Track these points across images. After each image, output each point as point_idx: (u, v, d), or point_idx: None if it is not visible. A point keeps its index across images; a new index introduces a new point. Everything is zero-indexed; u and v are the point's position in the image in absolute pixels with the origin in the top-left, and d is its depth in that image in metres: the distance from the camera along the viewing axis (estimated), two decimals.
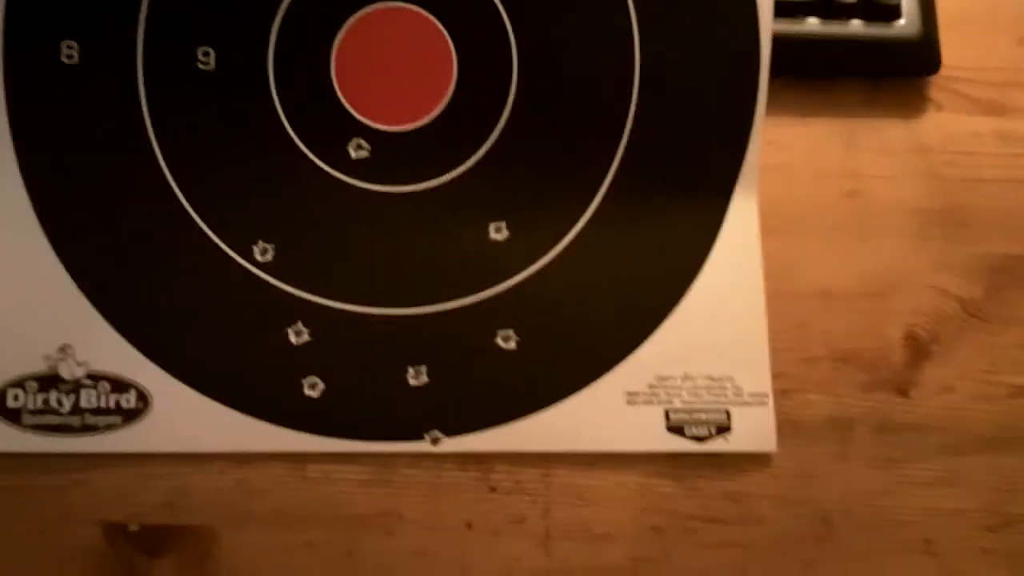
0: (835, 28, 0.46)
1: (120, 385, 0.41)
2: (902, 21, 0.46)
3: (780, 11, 0.43)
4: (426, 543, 0.41)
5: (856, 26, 0.46)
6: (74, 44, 0.41)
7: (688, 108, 0.43)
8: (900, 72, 0.46)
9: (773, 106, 0.43)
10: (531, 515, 0.41)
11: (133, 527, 0.41)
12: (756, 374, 0.42)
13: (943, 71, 0.46)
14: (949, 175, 0.45)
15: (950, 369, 0.43)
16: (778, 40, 0.42)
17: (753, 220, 0.43)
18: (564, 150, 0.43)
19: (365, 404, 0.41)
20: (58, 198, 0.42)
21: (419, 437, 0.41)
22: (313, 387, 0.41)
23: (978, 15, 0.48)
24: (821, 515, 0.41)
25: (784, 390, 0.42)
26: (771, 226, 0.43)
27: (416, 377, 0.41)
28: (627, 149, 0.43)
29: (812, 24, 0.46)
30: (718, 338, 0.42)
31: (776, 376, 0.42)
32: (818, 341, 0.43)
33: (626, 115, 0.43)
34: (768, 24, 0.42)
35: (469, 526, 0.41)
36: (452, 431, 0.41)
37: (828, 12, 0.46)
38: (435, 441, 0.41)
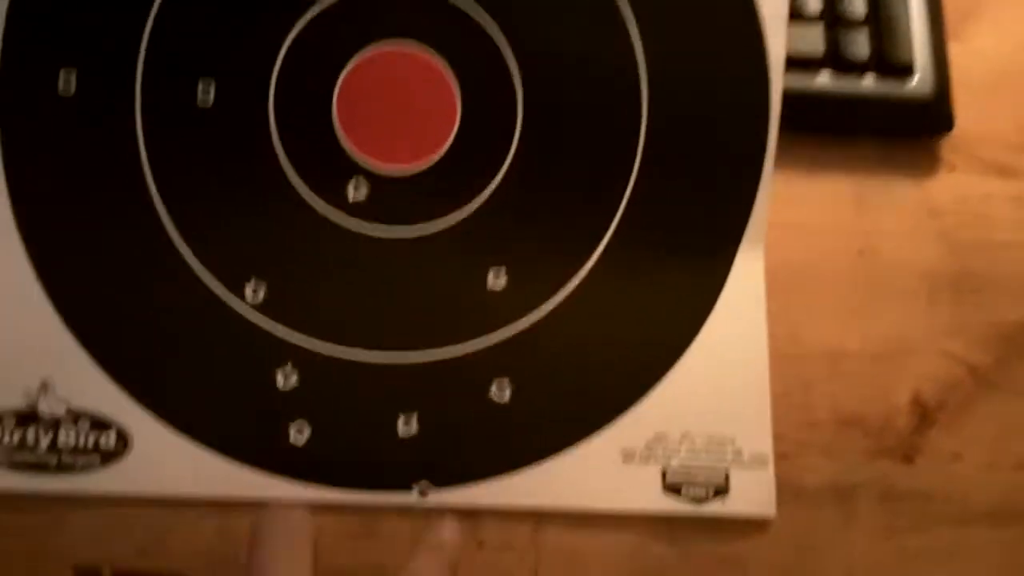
0: (847, 84, 0.45)
1: (100, 424, 0.40)
2: (915, 79, 0.45)
3: (791, 65, 0.42)
4: None
5: (868, 83, 0.45)
6: (73, 72, 0.41)
7: (695, 160, 0.42)
8: (912, 131, 0.45)
9: (782, 161, 0.42)
10: (519, 573, 0.40)
11: (106, 571, 0.39)
12: (757, 435, 0.41)
13: (956, 131, 0.45)
14: (961, 238, 0.44)
15: (957, 437, 0.42)
16: (788, 94, 0.42)
17: (759, 277, 0.42)
18: (568, 198, 0.42)
19: (353, 452, 0.40)
20: (47, 230, 0.41)
21: (407, 488, 0.40)
22: (300, 432, 0.40)
23: (993, 75, 0.47)
24: None
25: (785, 453, 0.41)
26: (777, 284, 0.42)
27: (406, 426, 0.40)
28: (631, 199, 0.42)
29: (823, 79, 0.45)
30: (719, 397, 0.41)
31: (778, 438, 0.41)
32: (822, 404, 0.42)
33: (631, 165, 0.42)
34: (779, 78, 0.42)
35: None
36: (441, 483, 0.40)
37: (840, 67, 0.45)
38: (423, 493, 0.40)
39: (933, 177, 0.45)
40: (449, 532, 0.37)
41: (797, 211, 0.43)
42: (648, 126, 0.42)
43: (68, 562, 0.39)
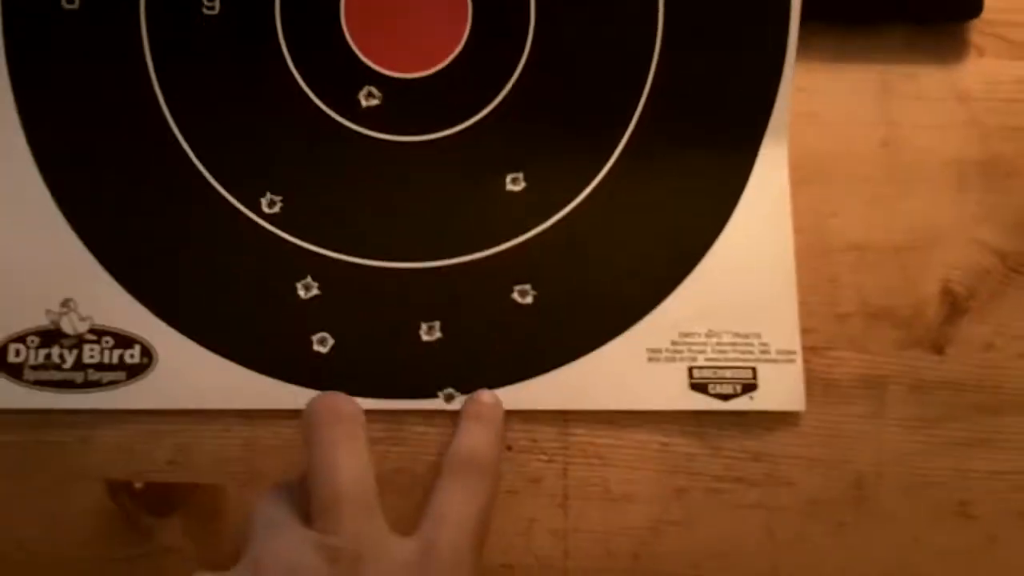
0: None
1: (124, 340, 0.40)
2: None
3: None
4: None
5: None
6: None
7: (715, 52, 0.41)
8: (940, 16, 0.44)
9: (804, 52, 0.41)
10: (548, 475, 0.40)
11: (138, 485, 0.39)
12: (785, 330, 0.40)
13: (985, 14, 0.43)
14: (990, 123, 0.43)
15: (988, 326, 0.41)
16: None
17: (783, 170, 0.41)
18: (584, 97, 0.41)
19: (376, 360, 0.40)
20: (60, 149, 0.41)
21: (432, 395, 0.40)
22: (322, 343, 0.40)
23: None
24: (852, 477, 0.40)
25: (814, 347, 0.40)
26: (801, 177, 0.41)
27: (429, 333, 0.40)
28: (650, 96, 0.41)
29: None
30: (745, 293, 0.40)
31: (806, 332, 0.40)
32: (850, 296, 0.41)
33: (649, 60, 0.41)
34: None
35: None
36: (466, 388, 0.40)
37: None
38: (449, 399, 0.40)
39: (961, 63, 0.44)
40: (488, 398, 0.37)
41: (821, 102, 0.42)
42: (666, 19, 0.41)
43: (99, 477, 0.39)
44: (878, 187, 0.41)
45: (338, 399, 0.36)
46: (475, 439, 0.37)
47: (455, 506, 0.35)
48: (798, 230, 0.41)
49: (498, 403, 0.39)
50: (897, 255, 0.41)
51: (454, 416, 0.40)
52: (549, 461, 0.40)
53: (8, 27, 0.40)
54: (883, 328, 0.41)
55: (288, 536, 0.33)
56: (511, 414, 0.40)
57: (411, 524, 0.35)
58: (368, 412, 0.39)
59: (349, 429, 0.35)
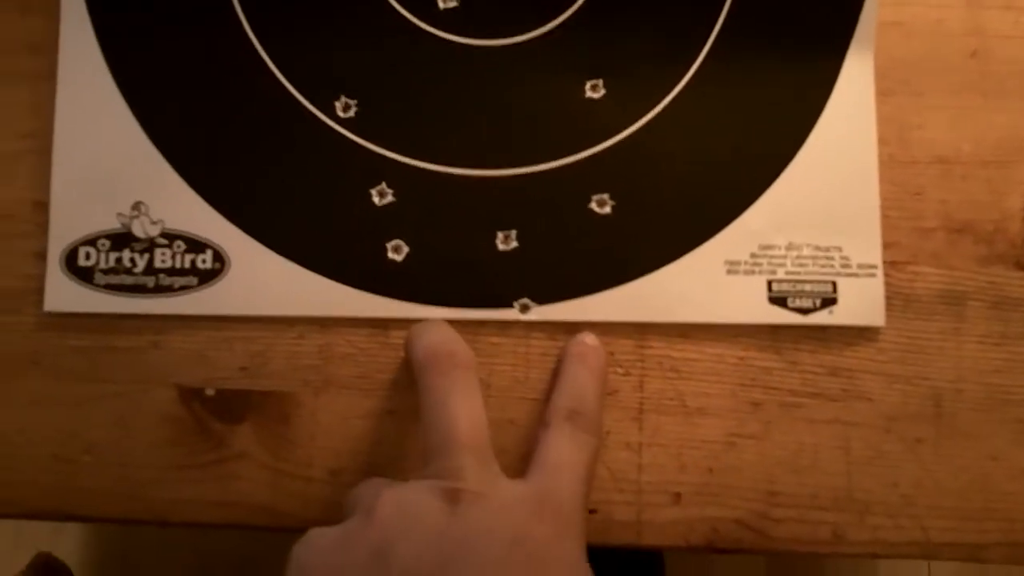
0: None
1: (196, 245, 0.39)
2: None
3: None
4: (515, 412, 0.39)
5: None
6: None
7: None
8: None
9: None
10: (624, 387, 0.39)
11: (210, 392, 0.39)
12: (866, 244, 0.40)
13: None
14: None
15: None
16: None
17: (868, 80, 0.40)
18: (666, 4, 0.40)
19: (451, 269, 0.39)
20: (133, 53, 0.40)
21: (508, 305, 0.39)
22: (397, 250, 0.39)
23: None
24: (930, 393, 0.39)
25: (895, 262, 0.40)
26: (887, 87, 0.40)
27: (505, 242, 0.39)
28: (733, 3, 0.40)
29: None
30: (826, 206, 0.40)
31: (887, 247, 0.40)
32: (933, 211, 0.40)
33: None
34: None
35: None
36: (542, 299, 0.39)
37: None
38: (524, 309, 0.39)
39: None
40: (592, 340, 0.37)
41: (908, 10, 0.41)
42: None
43: (170, 382, 0.39)
44: (966, 99, 0.40)
45: (450, 341, 0.36)
46: (581, 387, 0.37)
47: (566, 456, 0.35)
48: (882, 141, 0.40)
49: (600, 346, 0.38)
50: (983, 169, 0.40)
51: (529, 326, 0.39)
52: (625, 374, 0.39)
53: None
54: (966, 243, 0.40)
55: (402, 485, 0.33)
56: (587, 325, 0.39)
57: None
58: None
59: (463, 375, 0.35)
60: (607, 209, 0.39)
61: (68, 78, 0.40)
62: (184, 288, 0.39)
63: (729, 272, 0.39)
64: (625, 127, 0.40)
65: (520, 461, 0.38)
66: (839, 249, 0.39)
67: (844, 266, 0.39)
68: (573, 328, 0.39)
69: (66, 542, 0.90)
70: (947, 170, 0.40)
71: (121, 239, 0.39)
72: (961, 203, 0.40)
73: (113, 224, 0.39)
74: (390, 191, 0.39)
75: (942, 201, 0.40)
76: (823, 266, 0.39)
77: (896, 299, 0.40)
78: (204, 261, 0.39)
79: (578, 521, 0.33)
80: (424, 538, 0.30)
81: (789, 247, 0.39)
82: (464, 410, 0.34)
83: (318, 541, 0.32)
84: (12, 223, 0.39)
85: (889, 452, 0.39)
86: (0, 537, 0.87)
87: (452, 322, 0.39)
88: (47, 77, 0.40)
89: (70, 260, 0.39)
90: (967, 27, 0.41)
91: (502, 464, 0.34)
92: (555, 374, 0.38)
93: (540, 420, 0.37)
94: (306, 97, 0.40)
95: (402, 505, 0.32)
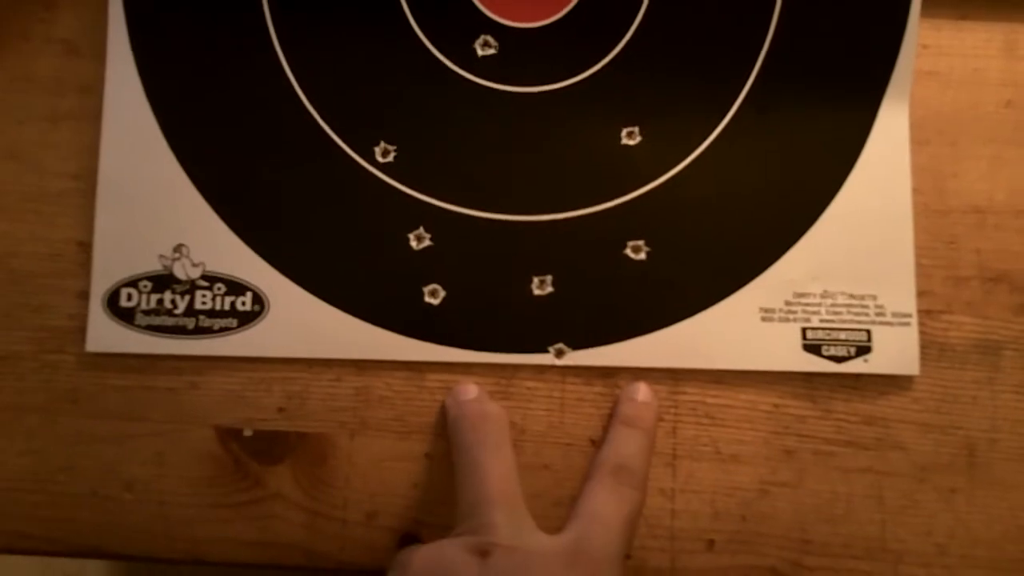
0: None
1: (236, 287, 0.40)
2: None
3: None
4: (550, 457, 0.39)
5: None
6: None
7: (838, 6, 0.40)
8: None
9: (929, 9, 0.40)
10: (658, 434, 0.39)
11: (247, 432, 0.39)
12: (900, 293, 0.40)
13: None
14: None
15: None
16: None
17: (903, 129, 0.40)
18: (702, 50, 0.41)
19: (487, 313, 0.40)
20: (176, 97, 0.41)
21: (543, 349, 0.39)
22: (434, 294, 0.40)
23: None
24: (964, 442, 0.39)
25: (929, 310, 0.40)
26: (922, 136, 0.41)
27: (541, 287, 0.40)
28: (769, 51, 0.40)
29: None
30: (861, 254, 0.40)
31: (921, 295, 0.40)
32: (968, 260, 0.40)
33: (770, 14, 0.40)
34: None
35: (593, 442, 0.39)
36: (577, 344, 0.39)
37: None
38: (560, 354, 0.39)
39: None
40: (644, 395, 0.37)
41: (943, 60, 0.41)
42: None
43: (208, 422, 0.40)
44: (1001, 149, 0.41)
45: (482, 400, 0.37)
46: (628, 447, 0.37)
47: (605, 508, 0.35)
48: (917, 191, 0.40)
49: (652, 402, 0.38)
50: (1018, 218, 0.40)
51: (564, 371, 0.40)
52: (659, 420, 0.39)
53: None
54: (1001, 293, 0.40)
55: (437, 543, 0.33)
56: (622, 371, 0.39)
57: (520, 481, 0.36)
58: (477, 365, 0.39)
59: (494, 430, 0.35)
60: (642, 255, 0.40)
61: (113, 120, 0.40)
62: (224, 330, 0.39)
63: (764, 319, 0.40)
64: (661, 174, 0.40)
65: (554, 506, 0.38)
66: (874, 298, 0.40)
67: (879, 314, 0.39)
68: (608, 373, 0.40)
69: (92, 570, 0.91)
70: (982, 219, 0.40)
71: (163, 281, 0.40)
72: (996, 252, 0.40)
73: (155, 266, 0.40)
74: (428, 236, 0.40)
75: (977, 250, 0.40)
76: (858, 314, 0.39)
77: (931, 348, 0.40)
78: (244, 303, 0.39)
79: (612, 572, 0.33)
80: None
81: (824, 295, 0.40)
82: (494, 467, 0.35)
83: None
84: (57, 262, 0.40)
85: (923, 501, 0.39)
86: (28, 570, 0.88)
87: (487, 366, 0.39)
88: (94, 118, 0.41)
89: (112, 301, 0.39)
90: (1003, 78, 0.41)
91: (536, 509, 0.35)
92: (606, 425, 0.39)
93: (586, 472, 0.37)
94: (346, 142, 0.40)
95: (435, 560, 0.32)
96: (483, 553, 0.32)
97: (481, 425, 0.36)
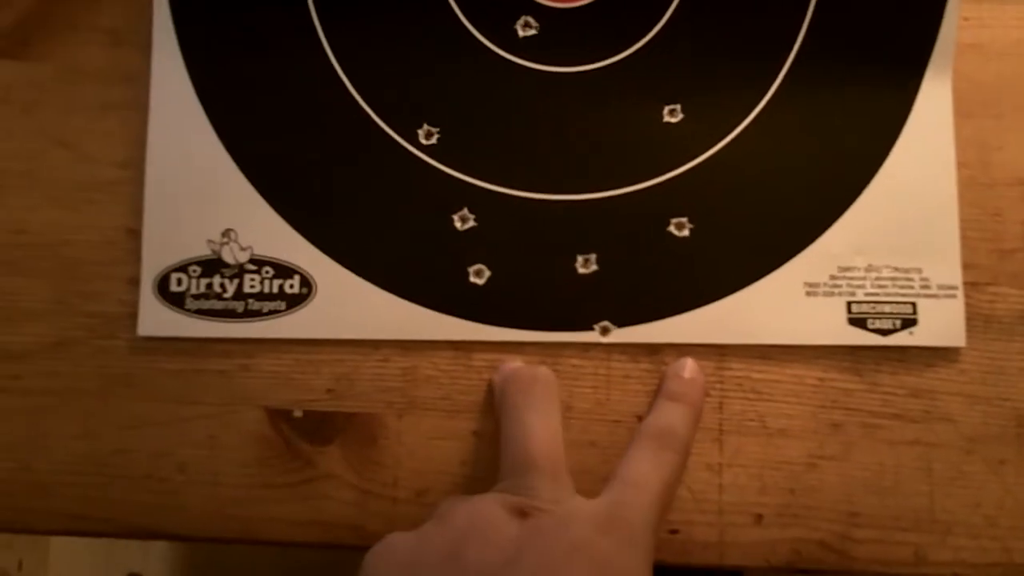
0: None
1: (284, 270, 0.40)
2: None
3: None
4: (596, 434, 0.40)
5: None
6: None
7: None
8: None
9: None
10: (704, 409, 0.40)
11: (297, 413, 0.40)
12: (946, 265, 0.40)
13: None
14: None
15: None
16: None
17: (946, 102, 0.40)
18: (743, 27, 0.41)
19: (532, 292, 0.40)
20: (221, 85, 0.41)
21: (588, 327, 0.40)
22: (479, 274, 0.40)
23: None
24: (1012, 414, 0.39)
25: (975, 283, 0.40)
26: (966, 109, 0.41)
27: (585, 265, 0.40)
28: (810, 26, 0.40)
29: None
30: (906, 227, 0.40)
31: (967, 268, 0.40)
32: (1014, 231, 0.40)
33: None
34: None
35: (640, 418, 0.39)
36: (622, 321, 0.40)
37: None
38: (605, 331, 0.40)
39: None
40: (690, 372, 0.37)
41: (986, 31, 0.41)
42: None
43: (259, 405, 0.40)
44: None
45: (532, 366, 0.38)
46: (672, 416, 0.37)
47: (644, 473, 0.35)
48: (961, 164, 0.40)
49: (698, 377, 0.39)
50: None
51: (609, 349, 0.40)
52: (705, 395, 0.40)
53: None
54: None
55: (477, 497, 0.34)
56: (667, 347, 0.40)
57: (568, 459, 0.36)
58: (523, 344, 0.40)
59: (542, 393, 0.36)
60: (685, 232, 0.40)
61: (159, 108, 0.41)
62: (272, 312, 0.40)
63: (808, 294, 0.40)
64: (703, 151, 0.40)
65: (601, 482, 0.38)
66: (919, 271, 0.40)
67: (924, 287, 0.39)
68: (654, 350, 0.40)
69: (154, 563, 0.92)
70: None
71: (211, 265, 0.40)
72: None
73: (203, 251, 0.40)
74: (472, 216, 0.40)
75: (1022, 222, 0.40)
76: (903, 287, 0.40)
77: (976, 320, 0.40)
78: (292, 286, 0.40)
79: (646, 537, 0.34)
80: (493, 541, 0.32)
81: (868, 268, 0.40)
82: (540, 429, 0.35)
83: (394, 542, 0.33)
84: (109, 250, 0.41)
85: (971, 473, 0.39)
86: (92, 556, 0.89)
87: (533, 344, 0.39)
88: (141, 107, 0.41)
89: (162, 286, 0.40)
90: None
91: (583, 486, 0.35)
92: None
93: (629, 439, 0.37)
94: (389, 125, 0.40)
95: (475, 514, 0.33)
96: (522, 514, 0.33)
97: (531, 387, 0.36)
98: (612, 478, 0.35)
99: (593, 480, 0.38)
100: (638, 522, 0.33)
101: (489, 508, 0.33)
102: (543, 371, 0.37)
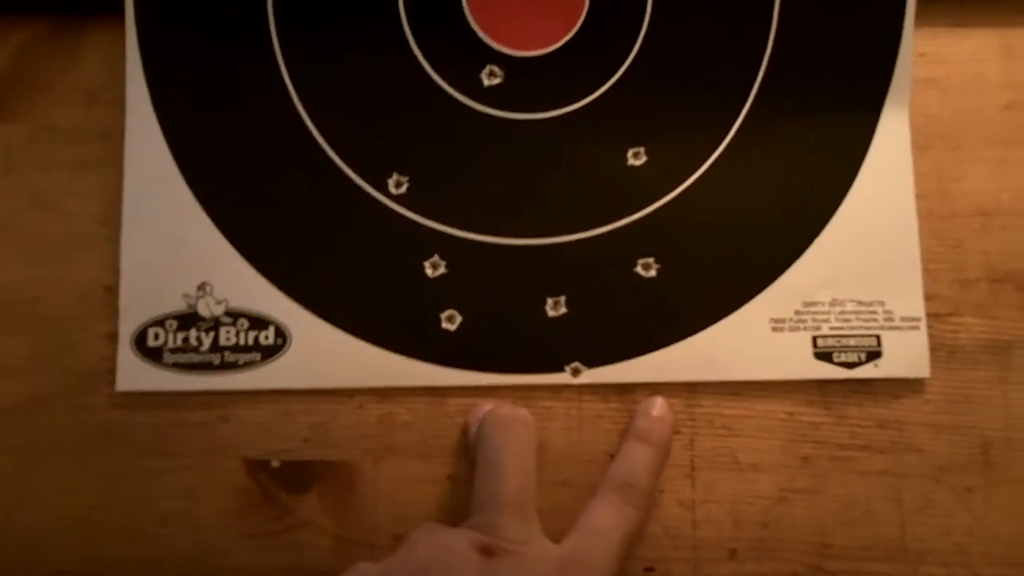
0: None
1: (259, 322, 0.41)
2: None
3: None
4: (569, 474, 0.40)
5: None
6: None
7: (833, 19, 0.41)
8: None
9: (925, 17, 0.41)
10: (675, 446, 0.40)
11: (275, 463, 0.40)
12: (908, 297, 0.40)
13: None
14: None
15: None
16: None
17: (904, 136, 0.41)
18: (703, 69, 0.41)
19: (504, 336, 0.41)
20: (194, 140, 0.42)
21: (559, 369, 0.40)
22: (451, 320, 0.41)
23: None
24: (979, 442, 0.40)
25: (937, 314, 0.40)
26: (923, 142, 0.41)
27: (555, 308, 0.41)
28: (769, 65, 0.41)
29: None
30: (868, 261, 0.40)
31: (929, 299, 0.40)
32: (974, 262, 0.41)
33: (768, 29, 0.41)
34: None
35: (611, 457, 0.40)
36: (593, 362, 0.40)
37: None
38: (576, 372, 0.40)
39: None
40: (659, 410, 0.38)
41: (941, 66, 0.42)
42: None
43: (237, 455, 0.41)
44: (1005, 151, 0.41)
45: (516, 408, 0.38)
46: (636, 462, 0.38)
47: (606, 523, 0.36)
48: (921, 196, 0.41)
49: (667, 416, 0.39)
50: (1023, 220, 0.41)
51: (580, 389, 0.40)
52: (676, 432, 0.40)
53: (139, 13, 0.41)
54: (1008, 293, 0.41)
55: (446, 531, 0.35)
56: (637, 387, 0.40)
57: (541, 499, 0.37)
58: (496, 387, 0.40)
59: (521, 434, 0.37)
60: (652, 272, 0.41)
61: (134, 165, 0.42)
62: (248, 364, 0.41)
63: (775, 329, 0.40)
64: (667, 192, 0.41)
65: (574, 521, 0.39)
66: (882, 303, 0.40)
67: (888, 320, 0.40)
68: (624, 389, 0.40)
69: None
70: (987, 221, 0.41)
71: (187, 319, 0.41)
72: (1002, 253, 0.41)
73: (179, 305, 0.41)
74: (443, 263, 0.41)
75: (983, 252, 0.41)
76: (867, 320, 0.40)
77: (940, 350, 0.40)
78: (267, 337, 0.41)
79: None
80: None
81: (833, 303, 0.40)
82: (514, 470, 0.36)
83: (362, 569, 0.34)
84: (86, 306, 0.41)
85: (940, 502, 0.40)
86: None
87: (505, 388, 0.40)
88: (116, 164, 0.42)
89: (140, 341, 0.41)
90: (1002, 80, 0.42)
91: (556, 525, 0.35)
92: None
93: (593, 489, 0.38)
94: (360, 175, 0.41)
95: (441, 548, 0.33)
96: (489, 552, 0.33)
97: (511, 428, 0.37)
98: (574, 526, 0.36)
99: (566, 519, 0.39)
100: (595, 569, 0.34)
101: (456, 544, 0.33)
102: (524, 414, 0.38)
